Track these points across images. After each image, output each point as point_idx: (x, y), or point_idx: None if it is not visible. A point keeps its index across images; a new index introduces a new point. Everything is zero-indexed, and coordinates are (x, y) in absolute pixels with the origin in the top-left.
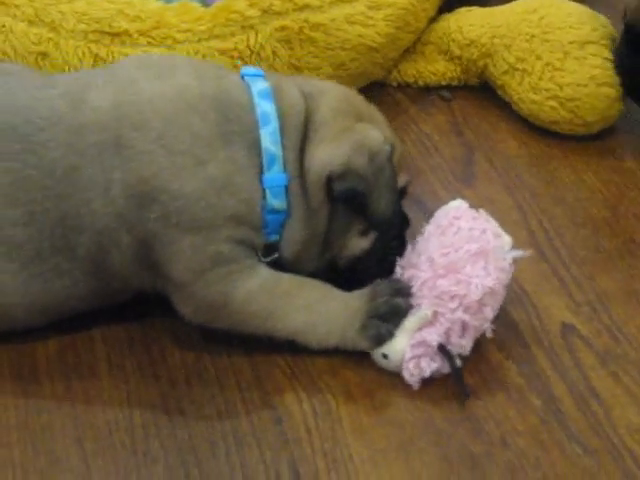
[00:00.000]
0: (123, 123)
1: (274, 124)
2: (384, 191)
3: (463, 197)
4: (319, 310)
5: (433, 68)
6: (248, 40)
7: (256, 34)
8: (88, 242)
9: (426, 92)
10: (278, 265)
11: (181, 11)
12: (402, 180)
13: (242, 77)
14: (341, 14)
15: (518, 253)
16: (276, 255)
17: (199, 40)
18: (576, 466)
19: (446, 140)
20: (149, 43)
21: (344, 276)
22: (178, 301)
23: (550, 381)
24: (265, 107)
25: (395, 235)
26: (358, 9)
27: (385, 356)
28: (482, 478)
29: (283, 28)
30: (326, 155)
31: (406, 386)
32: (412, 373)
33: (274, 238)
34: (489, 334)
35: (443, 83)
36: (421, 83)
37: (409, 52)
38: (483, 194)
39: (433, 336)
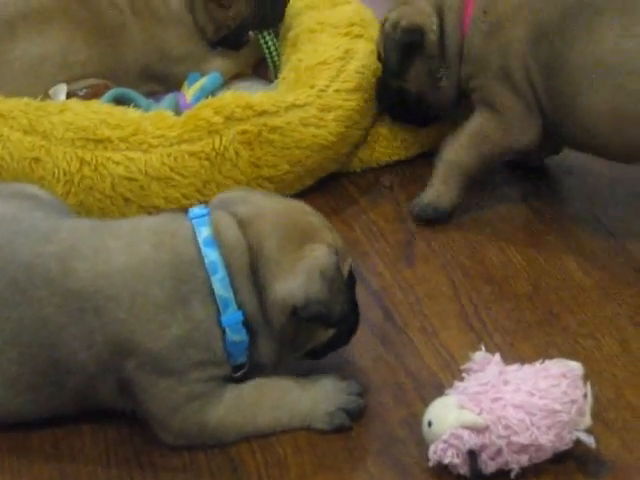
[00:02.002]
0: (100, 295)
1: (221, 272)
2: (338, 296)
3: (404, 278)
4: (283, 406)
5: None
6: (214, 143)
7: (220, 138)
8: (77, 380)
9: (374, 184)
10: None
11: (156, 119)
12: (347, 264)
13: (190, 220)
14: (295, 117)
15: (587, 439)
16: (245, 370)
17: (171, 144)
18: None
19: (391, 226)
20: (128, 148)
21: (313, 355)
22: (159, 431)
23: None
24: (211, 256)
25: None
26: (310, 112)
27: (430, 424)
28: None
29: (244, 132)
30: (285, 291)
31: (344, 439)
32: (435, 452)
33: (241, 360)
34: (512, 474)
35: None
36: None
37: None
38: (421, 273)
39: (473, 440)
